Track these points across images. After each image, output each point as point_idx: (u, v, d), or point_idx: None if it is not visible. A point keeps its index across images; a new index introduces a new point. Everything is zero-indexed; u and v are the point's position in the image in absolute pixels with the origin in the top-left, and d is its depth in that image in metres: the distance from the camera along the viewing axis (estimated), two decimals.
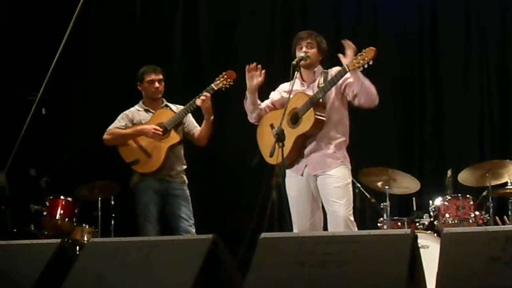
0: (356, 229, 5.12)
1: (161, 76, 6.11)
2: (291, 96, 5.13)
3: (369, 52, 4.92)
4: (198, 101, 5.82)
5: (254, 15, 8.74)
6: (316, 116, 5.07)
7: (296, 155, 5.17)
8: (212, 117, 5.94)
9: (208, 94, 5.84)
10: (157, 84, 6.09)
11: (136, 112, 6.15)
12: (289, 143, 5.06)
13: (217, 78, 5.93)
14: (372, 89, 5.06)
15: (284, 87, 5.36)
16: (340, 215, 4.99)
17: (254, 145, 5.40)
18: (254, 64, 5.32)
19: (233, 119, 8.14)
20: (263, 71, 5.30)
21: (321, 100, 5.09)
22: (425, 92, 8.19)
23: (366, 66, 4.93)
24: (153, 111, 6.11)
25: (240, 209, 8.06)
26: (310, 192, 5.17)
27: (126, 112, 6.17)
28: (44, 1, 8.42)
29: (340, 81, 5.08)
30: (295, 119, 5.14)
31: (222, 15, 8.80)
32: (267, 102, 5.44)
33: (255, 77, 5.29)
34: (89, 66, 8.86)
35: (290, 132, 5.10)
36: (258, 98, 5.39)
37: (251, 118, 5.44)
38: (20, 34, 8.25)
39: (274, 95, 5.45)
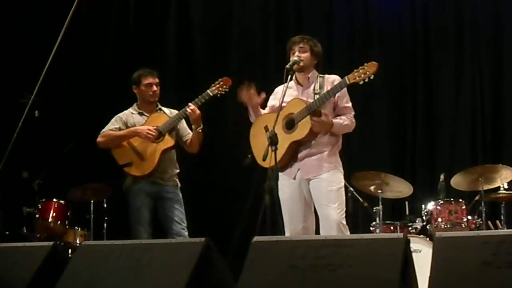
0: (348, 232, 5.13)
1: (157, 80, 6.11)
2: (288, 100, 5.14)
3: (371, 67, 4.93)
4: (188, 111, 5.83)
5: (248, 18, 8.75)
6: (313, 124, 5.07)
7: (289, 159, 5.17)
8: (201, 127, 5.94)
9: (199, 103, 5.85)
10: (154, 88, 6.08)
11: (130, 115, 6.14)
12: (282, 148, 5.06)
13: (213, 84, 5.93)
14: (348, 128, 5.23)
15: (280, 90, 5.31)
16: (333, 219, 4.99)
17: (246, 144, 5.38)
18: (244, 87, 5.29)
19: (225, 122, 8.17)
20: (263, 95, 5.30)
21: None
22: (418, 96, 8.21)
23: (366, 80, 4.93)
24: (147, 115, 6.10)
25: (232, 212, 8.07)
26: (302, 196, 5.17)
27: (120, 115, 6.15)
28: (37, 3, 8.41)
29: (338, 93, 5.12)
30: (290, 125, 5.13)
31: (216, 19, 8.81)
32: (267, 111, 5.40)
33: (253, 99, 5.27)
34: (82, 69, 8.85)
35: (285, 137, 5.10)
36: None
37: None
38: (12, 36, 8.23)
39: (271, 101, 5.42)
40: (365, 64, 4.95)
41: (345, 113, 5.20)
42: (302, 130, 5.08)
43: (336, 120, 5.14)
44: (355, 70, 4.96)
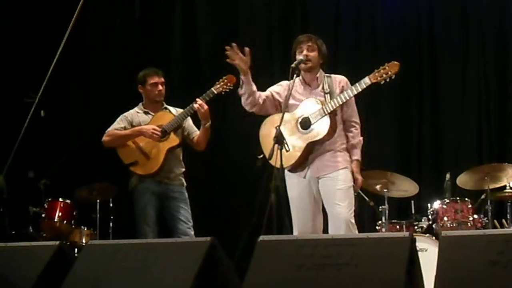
0: (357, 231, 5.11)
1: (163, 79, 6.12)
2: (295, 98, 5.14)
3: (393, 67, 4.93)
4: (195, 106, 5.83)
5: (254, 17, 8.75)
6: (331, 124, 5.05)
7: (305, 160, 5.15)
8: (209, 123, 5.92)
9: (204, 101, 5.84)
10: (160, 87, 6.08)
11: (136, 114, 6.15)
12: (299, 149, 5.06)
13: (217, 82, 5.93)
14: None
15: (286, 84, 5.28)
16: (342, 217, 4.98)
17: (257, 145, 5.31)
18: (232, 46, 5.17)
19: (233, 122, 8.15)
20: (247, 50, 5.14)
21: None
22: (424, 95, 8.20)
23: (388, 80, 4.92)
24: (152, 114, 6.11)
25: (239, 211, 8.06)
26: (312, 195, 5.16)
27: (125, 114, 6.16)
28: (43, 3, 8.42)
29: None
30: (306, 125, 5.11)
31: (221, 18, 8.80)
32: (266, 93, 5.32)
33: (242, 61, 5.11)
34: (87, 68, 8.86)
35: (301, 137, 5.09)
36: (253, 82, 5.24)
37: (246, 103, 5.24)
38: (18, 35, 8.24)
39: (275, 88, 5.36)
40: (386, 64, 4.95)
41: (351, 120, 5.25)
42: (319, 130, 5.06)
43: (357, 156, 5.23)
44: (376, 70, 4.95)
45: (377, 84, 4.97)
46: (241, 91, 5.23)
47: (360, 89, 5.02)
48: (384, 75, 4.92)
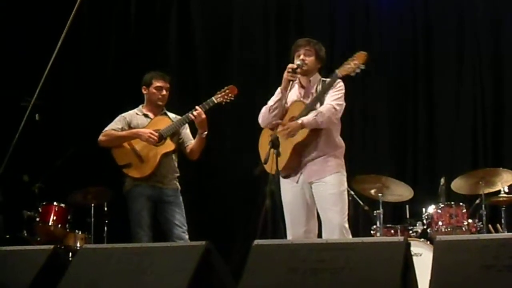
0: (350, 236, 5.10)
1: (168, 85, 6.10)
2: (289, 104, 5.13)
3: (360, 57, 4.92)
4: (194, 114, 5.81)
5: (249, 22, 8.76)
6: None
7: (295, 163, 5.13)
8: (205, 133, 5.91)
9: (203, 109, 5.83)
10: (164, 92, 6.07)
11: (135, 115, 6.13)
12: (287, 153, 5.05)
13: (218, 92, 5.90)
14: (323, 116, 4.99)
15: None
16: (335, 222, 4.97)
17: (257, 154, 5.31)
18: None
19: (228, 127, 8.16)
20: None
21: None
22: (419, 99, 8.22)
23: (358, 71, 4.91)
24: (151, 117, 6.09)
25: (234, 216, 8.06)
26: (305, 200, 5.15)
27: (124, 114, 6.14)
28: (38, 6, 8.41)
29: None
30: None
31: (217, 24, 8.81)
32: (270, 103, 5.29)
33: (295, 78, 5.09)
34: (83, 72, 8.85)
35: (289, 141, 5.08)
36: None
37: (270, 115, 5.18)
38: (13, 39, 8.23)
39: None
40: (354, 55, 4.94)
41: (327, 103, 5.06)
42: (303, 131, 5.05)
43: (305, 117, 5.00)
44: (345, 62, 4.96)
45: (348, 76, 4.96)
46: (273, 105, 5.19)
47: (332, 84, 5.02)
48: (353, 66, 4.92)
